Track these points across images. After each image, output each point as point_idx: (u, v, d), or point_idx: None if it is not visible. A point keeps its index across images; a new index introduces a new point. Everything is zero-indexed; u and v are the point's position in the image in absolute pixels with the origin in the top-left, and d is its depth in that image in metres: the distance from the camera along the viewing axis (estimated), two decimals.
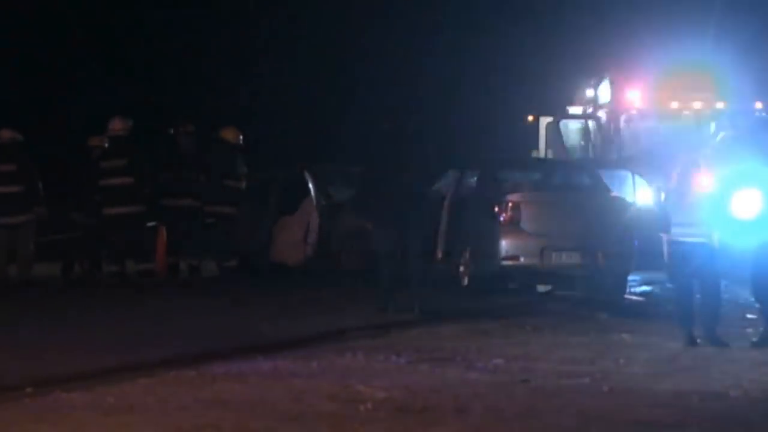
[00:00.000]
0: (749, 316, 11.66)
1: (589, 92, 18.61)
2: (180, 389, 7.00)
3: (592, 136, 18.18)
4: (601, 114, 18.22)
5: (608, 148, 17.88)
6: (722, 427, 6.37)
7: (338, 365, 8.50)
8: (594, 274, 14.36)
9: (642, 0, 25.26)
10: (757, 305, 10.97)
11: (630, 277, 14.92)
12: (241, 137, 15.64)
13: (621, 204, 14.84)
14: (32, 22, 27.52)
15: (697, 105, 17.89)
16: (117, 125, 14.83)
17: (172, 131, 15.46)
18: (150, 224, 15.25)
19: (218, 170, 15.31)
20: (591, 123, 18.21)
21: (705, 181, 10.54)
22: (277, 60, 27.59)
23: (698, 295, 10.31)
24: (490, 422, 6.02)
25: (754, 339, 10.08)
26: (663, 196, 11.78)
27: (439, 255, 14.58)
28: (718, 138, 16.32)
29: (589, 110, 18.51)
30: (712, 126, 17.30)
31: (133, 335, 9.74)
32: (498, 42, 25.97)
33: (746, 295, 12.16)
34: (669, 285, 13.01)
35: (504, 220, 14.06)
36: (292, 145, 21.10)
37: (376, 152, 13.53)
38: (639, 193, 15.71)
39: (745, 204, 13.08)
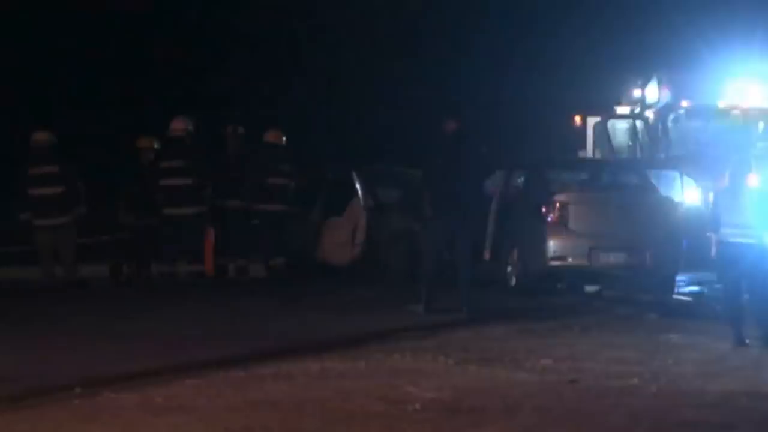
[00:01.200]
0: None
1: (637, 92, 18.19)
2: (229, 390, 7.14)
3: (639, 135, 17.93)
4: (649, 114, 17.90)
5: (656, 148, 17.58)
6: None
7: (387, 366, 8.56)
8: (642, 275, 14.35)
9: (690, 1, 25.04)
10: None
11: (678, 278, 14.73)
12: (284, 138, 15.69)
13: (669, 204, 14.81)
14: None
15: (745, 104, 17.69)
16: (179, 125, 14.87)
17: (222, 132, 15.61)
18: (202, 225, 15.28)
19: (264, 170, 15.33)
20: (638, 123, 17.94)
21: (756, 182, 10.61)
22: (326, 56, 27.23)
23: (747, 296, 10.31)
24: (539, 423, 6.15)
25: None
26: (711, 196, 12.02)
27: (487, 255, 14.54)
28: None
29: (637, 110, 18.14)
30: (761, 125, 17.15)
31: (181, 336, 9.89)
32: (545, 41, 25.97)
33: None
34: (718, 285, 12.70)
35: (551, 220, 14.11)
36: (341, 146, 21.22)
37: (435, 152, 13.39)
38: (687, 193, 15.62)
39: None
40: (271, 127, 16.01)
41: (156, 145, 15.25)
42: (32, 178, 14.00)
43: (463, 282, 12.15)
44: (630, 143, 18.01)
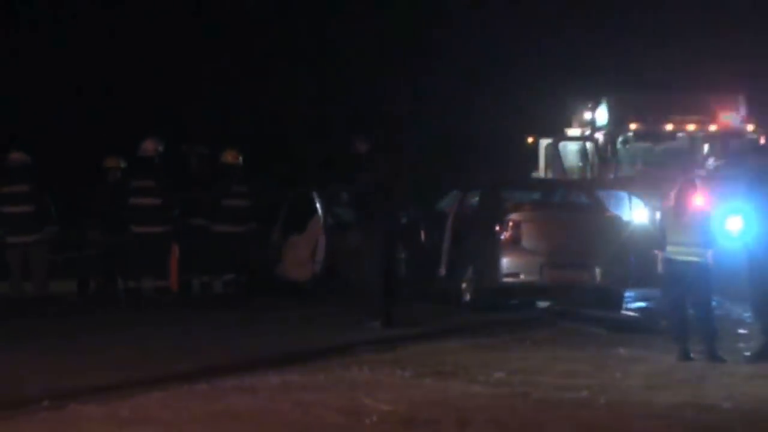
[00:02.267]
0: (741, 331, 11.81)
1: (587, 115, 19.06)
2: (192, 402, 7.22)
3: (589, 157, 18.56)
4: (599, 136, 18.52)
5: (605, 169, 18.14)
6: None
7: (345, 379, 8.64)
8: (591, 290, 14.61)
9: (638, 27, 25.93)
10: (751, 320, 11.36)
11: (626, 293, 15.13)
12: (240, 159, 16.02)
13: (618, 222, 15.17)
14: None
15: (691, 127, 18.27)
16: (149, 146, 15.21)
17: (183, 151, 15.92)
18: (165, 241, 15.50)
19: (220, 191, 15.72)
20: (589, 144, 18.57)
21: (701, 202, 10.57)
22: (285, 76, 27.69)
23: (691, 312, 10.49)
24: None
25: (747, 353, 10.32)
26: (658, 215, 12.19)
27: (443, 271, 14.97)
28: (712, 161, 17.06)
29: (587, 132, 18.89)
30: (705, 147, 17.79)
31: (147, 350, 9.96)
32: (497, 66, 26.71)
33: (739, 311, 12.74)
34: (663, 301, 12.99)
35: (505, 238, 14.38)
36: (302, 166, 21.79)
37: (355, 172, 13.94)
38: (635, 213, 16.01)
39: (738, 226, 12.88)
40: (228, 147, 16.23)
41: (122, 165, 15.49)
42: (4, 196, 14.28)
43: (372, 294, 12.78)
44: (580, 164, 18.59)
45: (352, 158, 14.09)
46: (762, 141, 17.95)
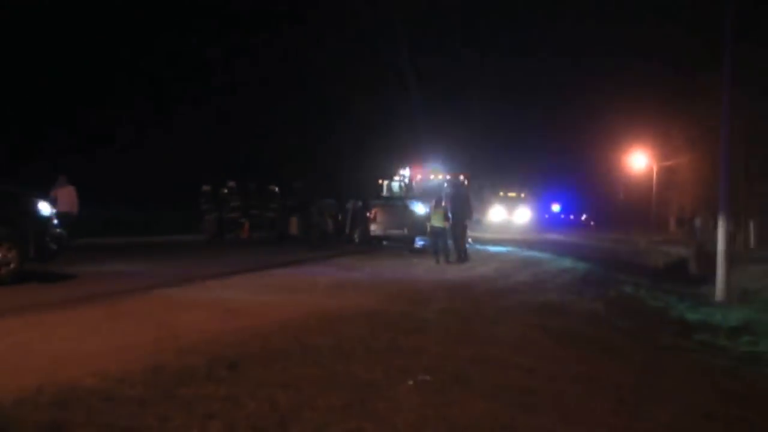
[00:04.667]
0: (452, 253, 20.27)
1: (402, 170, 31.65)
2: (253, 279, 13.60)
3: (402, 187, 31.64)
4: (405, 178, 31.39)
5: (408, 193, 30.75)
6: (452, 294, 12.63)
7: (309, 271, 15.72)
8: (402, 238, 26.26)
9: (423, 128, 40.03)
10: (452, 247, 20.16)
11: (417, 239, 25.00)
12: (276, 188, 28.55)
13: (413, 211, 26.53)
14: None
15: (439, 176, 30.60)
16: (231, 183, 27.11)
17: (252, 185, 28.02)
18: (242, 221, 27.57)
19: (264, 201, 28.66)
20: (402, 182, 31.75)
21: (442, 205, 19.98)
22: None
23: (438, 245, 19.56)
24: (368, 290, 12.37)
25: (451, 259, 19.26)
26: (429, 209, 21.38)
27: (347, 231, 28.13)
28: (445, 190, 24.87)
29: (402, 177, 31.64)
30: (446, 185, 28.06)
31: (233, 262, 17.22)
32: (361, 148, 40.69)
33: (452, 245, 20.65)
34: (429, 242, 21.89)
35: (371, 216, 27.07)
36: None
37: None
38: (419, 208, 26.53)
39: (439, 218, 20.33)
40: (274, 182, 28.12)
41: (227, 190, 27.30)
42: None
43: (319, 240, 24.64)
44: (399, 190, 31.54)
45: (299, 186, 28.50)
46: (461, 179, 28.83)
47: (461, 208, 20.87)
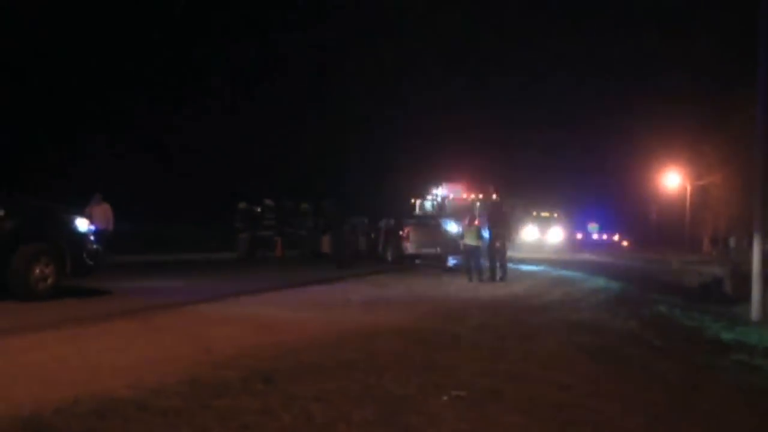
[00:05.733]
0: (485, 271, 20.12)
1: (435, 189, 32.06)
2: (290, 296, 14.15)
3: (436, 206, 31.49)
4: (438, 197, 31.61)
5: (441, 211, 31.34)
6: (485, 311, 12.61)
7: (343, 288, 16.01)
8: (437, 257, 26.40)
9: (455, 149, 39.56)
10: (488, 266, 19.99)
11: (451, 258, 25.11)
12: (307, 205, 29.29)
13: (446, 230, 27.63)
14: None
15: (472, 196, 31.82)
16: (269, 201, 27.53)
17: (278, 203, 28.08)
18: (275, 239, 27.87)
19: (297, 219, 28.94)
20: (435, 201, 31.82)
21: (475, 223, 20.14)
22: None
23: (471, 264, 19.60)
24: (401, 307, 12.57)
25: (484, 278, 19.44)
26: (461, 228, 21.52)
27: (380, 249, 28.15)
28: (478, 209, 28.29)
29: (435, 196, 31.84)
30: (478, 204, 30.44)
31: (270, 278, 17.66)
32: (394, 169, 40.91)
33: (485, 263, 20.52)
34: (462, 260, 21.93)
35: (404, 235, 27.41)
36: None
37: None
38: (452, 227, 27.43)
39: (472, 236, 20.34)
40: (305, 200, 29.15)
41: (260, 209, 27.63)
42: None
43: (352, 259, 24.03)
44: (432, 209, 32.18)
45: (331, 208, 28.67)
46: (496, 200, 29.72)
47: (500, 227, 20.75)
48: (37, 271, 11.77)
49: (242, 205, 27.29)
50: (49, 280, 11.95)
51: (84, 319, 9.74)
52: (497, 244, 20.29)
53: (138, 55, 34.09)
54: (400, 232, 27.81)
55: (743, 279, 19.89)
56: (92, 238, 13.03)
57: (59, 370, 6.53)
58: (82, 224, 12.80)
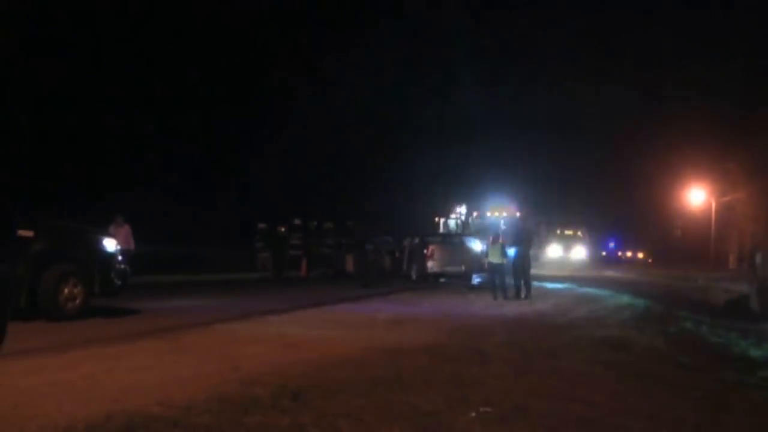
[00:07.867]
0: (510, 288, 19.87)
1: (459, 208, 32.51)
2: (314, 314, 14.08)
3: (459, 224, 31.91)
4: (462, 215, 32.23)
5: (465, 229, 31.01)
6: (511, 328, 12.63)
7: (367, 307, 15.90)
8: (461, 275, 26.54)
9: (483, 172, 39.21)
10: (514, 283, 19.77)
11: (475, 276, 25.69)
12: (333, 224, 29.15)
13: (470, 248, 28.02)
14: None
15: (497, 213, 31.08)
16: (297, 221, 27.84)
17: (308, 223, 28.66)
18: (302, 258, 27.65)
19: (321, 239, 28.99)
20: (458, 219, 32.12)
21: (499, 241, 19.65)
22: None
23: (496, 282, 19.43)
24: (427, 325, 12.44)
25: (509, 296, 19.26)
26: (486, 245, 21.27)
27: (404, 268, 28.44)
28: (501, 226, 27.82)
29: (459, 214, 32.29)
30: (502, 222, 31.12)
31: (293, 297, 17.93)
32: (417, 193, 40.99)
33: (509, 281, 20.20)
34: (486, 278, 22.17)
35: (428, 253, 27.58)
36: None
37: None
38: (476, 245, 28.13)
39: (499, 254, 19.93)
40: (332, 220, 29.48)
41: (289, 228, 27.82)
42: None
43: (376, 277, 24.13)
44: (455, 227, 31.86)
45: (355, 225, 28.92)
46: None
47: (524, 245, 20.56)
48: (66, 291, 12.00)
49: (262, 225, 27.80)
50: (78, 300, 12.18)
51: (113, 338, 9.90)
52: (521, 262, 20.03)
53: (163, 83, 35.44)
54: (425, 251, 27.80)
55: None
56: (120, 258, 13.20)
57: (90, 388, 6.61)
58: (110, 244, 13.00)
